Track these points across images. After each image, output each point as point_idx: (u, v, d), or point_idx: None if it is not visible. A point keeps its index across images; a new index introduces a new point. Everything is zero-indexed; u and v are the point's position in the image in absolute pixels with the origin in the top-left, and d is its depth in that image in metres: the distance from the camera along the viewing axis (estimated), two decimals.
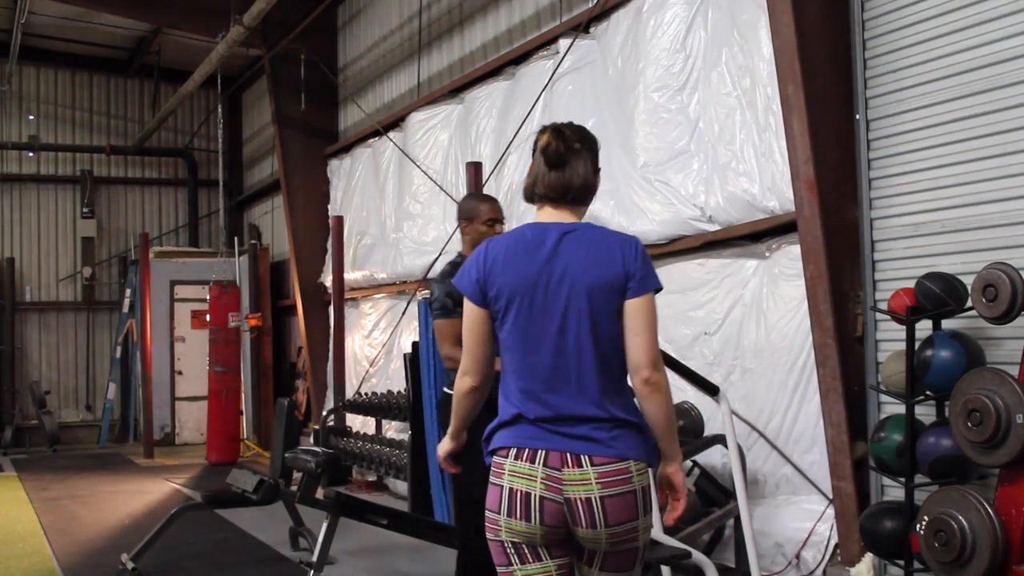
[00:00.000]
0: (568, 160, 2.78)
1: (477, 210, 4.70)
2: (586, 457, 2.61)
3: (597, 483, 2.59)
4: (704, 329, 6.25)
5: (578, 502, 2.60)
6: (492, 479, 2.72)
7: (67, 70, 16.49)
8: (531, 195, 2.85)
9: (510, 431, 2.71)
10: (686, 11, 6.53)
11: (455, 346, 4.28)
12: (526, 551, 2.67)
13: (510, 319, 2.72)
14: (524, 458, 2.65)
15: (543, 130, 2.85)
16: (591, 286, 2.68)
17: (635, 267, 2.70)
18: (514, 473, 2.65)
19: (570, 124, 2.87)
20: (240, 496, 6.55)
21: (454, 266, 4.60)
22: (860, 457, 5.01)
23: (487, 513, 2.72)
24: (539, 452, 2.64)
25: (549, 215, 2.81)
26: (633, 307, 2.68)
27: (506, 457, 2.68)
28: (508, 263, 2.74)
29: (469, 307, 2.79)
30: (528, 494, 2.62)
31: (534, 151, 2.84)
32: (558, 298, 2.69)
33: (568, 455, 2.62)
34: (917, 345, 4.53)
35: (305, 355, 12.79)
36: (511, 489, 2.64)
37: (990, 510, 4.00)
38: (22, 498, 10.15)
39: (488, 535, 2.73)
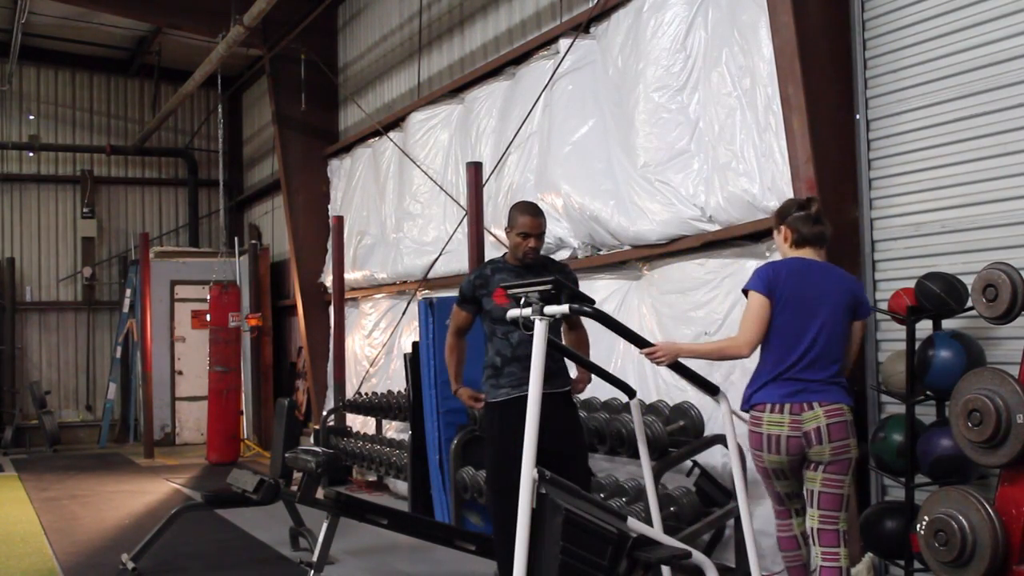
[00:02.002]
0: (822, 220, 4.33)
1: (514, 220, 4.97)
2: (816, 403, 4.10)
3: (824, 416, 4.09)
4: (704, 329, 6.25)
5: (812, 431, 4.09)
6: (752, 428, 4.22)
7: (67, 70, 16.49)
8: (801, 240, 4.31)
9: (764, 392, 4.18)
10: (686, 11, 6.52)
11: (453, 333, 5.15)
12: (781, 472, 4.22)
13: (781, 315, 4.16)
14: (775, 411, 4.13)
15: (807, 203, 4.37)
16: (837, 303, 4.19)
17: (862, 297, 4.32)
18: (770, 423, 4.14)
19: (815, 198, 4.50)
20: (240, 496, 6.54)
21: (479, 268, 5.18)
22: (860, 457, 5.00)
23: (753, 452, 4.26)
24: (785, 406, 4.11)
25: (808, 253, 4.30)
26: (857, 326, 4.30)
27: (763, 412, 4.17)
28: (789, 278, 4.19)
29: (759, 299, 4.18)
30: (779, 436, 4.12)
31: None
32: (819, 308, 4.15)
33: (805, 404, 4.10)
34: (917, 345, 4.54)
35: (305, 355, 12.80)
36: (768, 434, 4.15)
37: (990, 510, 4.00)
38: (22, 498, 10.16)
39: (755, 463, 4.29)
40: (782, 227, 4.37)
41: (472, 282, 5.06)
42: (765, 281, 4.20)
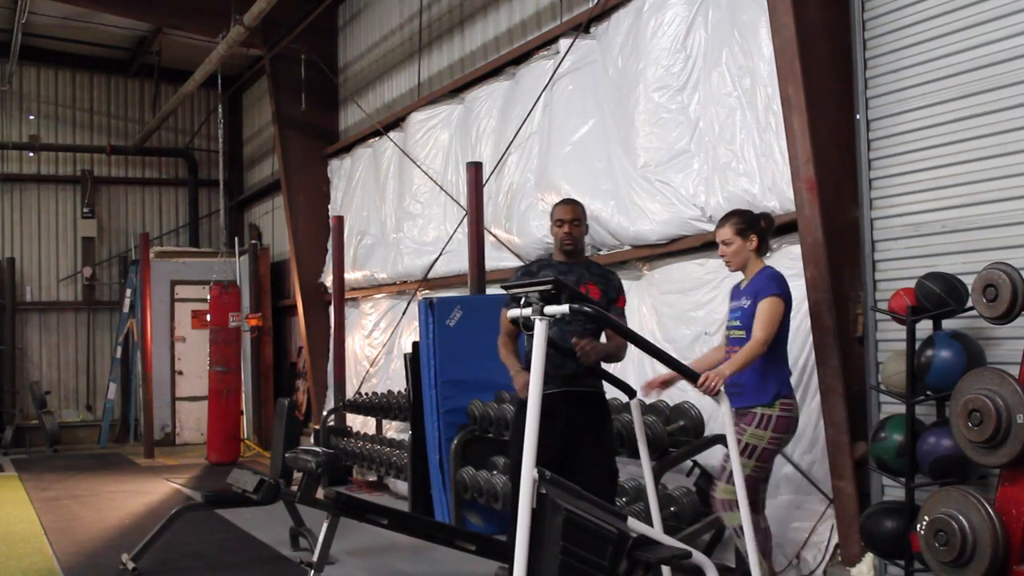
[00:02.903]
0: None
1: (552, 213, 5.15)
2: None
3: None
4: (704, 329, 6.25)
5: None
6: (787, 414, 4.73)
7: (67, 70, 16.50)
8: (766, 250, 4.97)
9: (788, 384, 4.80)
10: (686, 11, 6.53)
11: (503, 335, 4.98)
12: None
13: (789, 319, 4.79)
14: (794, 397, 4.82)
15: (767, 217, 5.04)
16: None
17: None
18: (796, 407, 4.80)
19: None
20: (240, 496, 6.55)
21: (525, 266, 5.30)
22: (860, 457, 5.01)
23: (779, 436, 4.75)
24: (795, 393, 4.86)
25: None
26: None
27: (792, 399, 4.76)
28: (787, 287, 4.82)
29: (783, 305, 4.77)
30: (797, 417, 4.84)
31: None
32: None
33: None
34: (917, 345, 4.53)
35: (305, 355, 12.80)
36: (795, 417, 4.80)
37: (990, 510, 4.00)
38: (22, 498, 10.16)
39: (773, 448, 4.76)
40: (753, 236, 4.85)
41: (518, 279, 5.03)
42: (786, 289, 4.80)
